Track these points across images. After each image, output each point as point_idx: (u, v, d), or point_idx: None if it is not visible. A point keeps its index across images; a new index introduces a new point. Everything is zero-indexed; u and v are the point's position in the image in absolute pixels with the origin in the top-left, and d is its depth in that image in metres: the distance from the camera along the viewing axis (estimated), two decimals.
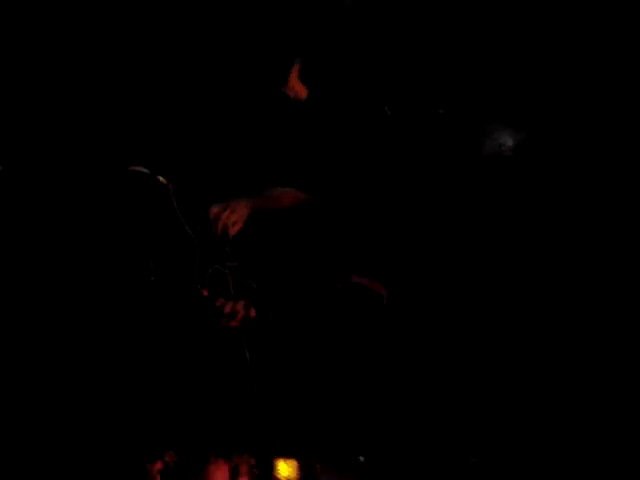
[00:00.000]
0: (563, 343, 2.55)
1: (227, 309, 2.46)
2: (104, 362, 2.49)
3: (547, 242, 2.54)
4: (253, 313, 2.51)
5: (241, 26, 2.80)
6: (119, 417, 2.45)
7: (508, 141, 2.52)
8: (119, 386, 2.47)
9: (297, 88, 2.59)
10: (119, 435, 2.43)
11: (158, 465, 2.41)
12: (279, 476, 2.50)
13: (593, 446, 2.45)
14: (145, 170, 2.46)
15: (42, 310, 2.54)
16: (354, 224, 2.53)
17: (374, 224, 2.51)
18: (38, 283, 2.58)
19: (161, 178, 2.47)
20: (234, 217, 2.42)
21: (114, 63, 2.80)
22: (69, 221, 2.57)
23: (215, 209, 2.45)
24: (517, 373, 2.56)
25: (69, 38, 2.78)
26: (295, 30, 2.64)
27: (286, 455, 2.52)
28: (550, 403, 2.52)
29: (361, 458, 2.55)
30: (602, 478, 2.40)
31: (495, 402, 2.54)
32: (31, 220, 2.63)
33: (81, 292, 2.53)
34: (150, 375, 2.49)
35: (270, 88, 2.64)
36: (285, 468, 2.51)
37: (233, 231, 2.42)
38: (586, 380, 2.53)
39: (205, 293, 2.45)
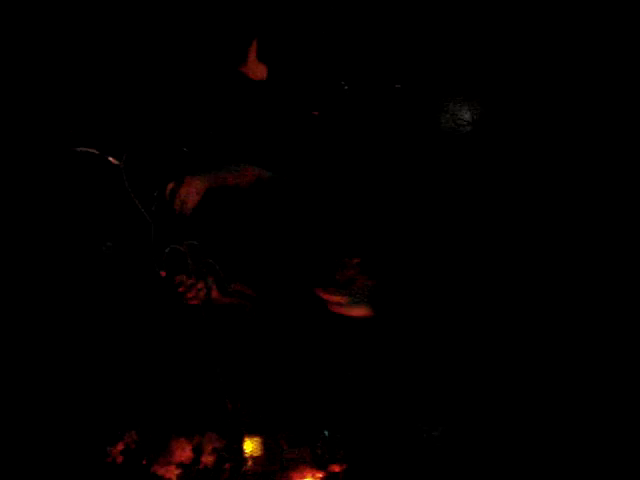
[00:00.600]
0: (557, 339, 2.52)
1: (186, 287, 2.45)
2: (64, 342, 2.49)
3: (510, 223, 2.50)
4: (215, 294, 2.50)
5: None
6: (79, 398, 2.47)
7: (466, 115, 2.48)
8: (79, 366, 2.49)
9: (256, 68, 2.55)
10: (79, 416, 2.45)
11: (119, 446, 2.44)
12: (243, 453, 2.52)
13: (592, 446, 2.43)
14: (95, 151, 2.43)
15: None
16: (314, 202, 2.51)
17: (334, 202, 2.49)
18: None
19: (112, 159, 2.44)
20: (191, 191, 2.40)
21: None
22: (22, 205, 2.55)
23: (171, 184, 2.44)
24: (512, 372, 2.54)
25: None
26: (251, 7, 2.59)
27: (250, 432, 2.54)
28: (548, 403, 2.50)
29: (325, 432, 2.57)
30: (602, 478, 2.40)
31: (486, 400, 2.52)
32: None
33: (39, 277, 2.53)
34: (111, 354, 2.50)
35: (229, 66, 2.60)
36: (249, 445, 2.54)
37: (190, 205, 2.41)
38: (585, 380, 2.51)
39: (163, 274, 2.45)
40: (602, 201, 2.38)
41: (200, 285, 2.47)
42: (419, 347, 2.39)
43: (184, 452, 2.46)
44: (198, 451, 2.48)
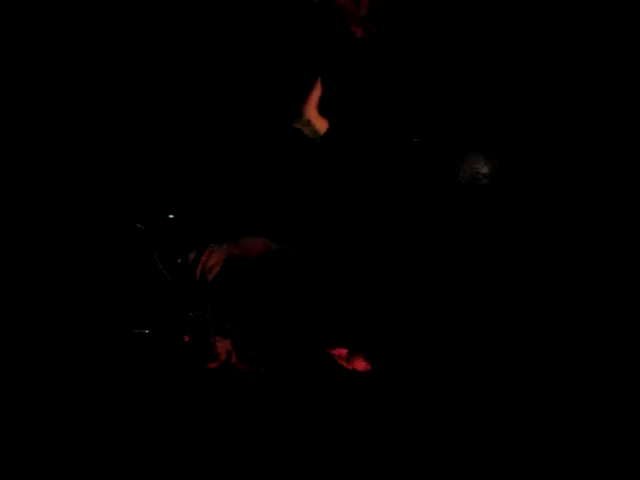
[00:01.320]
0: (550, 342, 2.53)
1: (207, 352, 2.49)
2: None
3: (528, 267, 2.54)
4: (234, 358, 2.54)
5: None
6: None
7: (483, 168, 2.52)
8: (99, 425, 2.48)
9: (316, 121, 2.56)
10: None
11: None
12: None
13: (592, 447, 2.43)
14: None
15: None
16: (325, 276, 2.56)
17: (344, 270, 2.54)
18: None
19: (139, 225, 2.52)
20: (212, 261, 2.48)
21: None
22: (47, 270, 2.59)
23: (193, 254, 2.51)
24: (510, 373, 2.55)
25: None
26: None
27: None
28: (547, 404, 2.50)
29: None
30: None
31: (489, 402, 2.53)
32: None
33: (65, 345, 2.54)
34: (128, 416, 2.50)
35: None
36: None
37: (213, 275, 2.47)
38: (585, 380, 2.52)
39: (186, 339, 2.49)
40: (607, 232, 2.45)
41: (221, 348, 2.50)
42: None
43: None
44: None
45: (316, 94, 2.52)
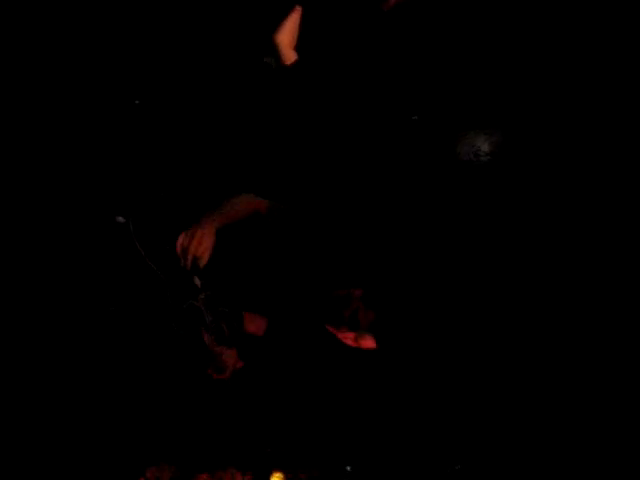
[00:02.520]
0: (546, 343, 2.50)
1: (215, 364, 2.44)
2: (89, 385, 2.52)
3: (526, 248, 2.49)
4: (240, 364, 2.50)
5: None
6: (101, 434, 2.49)
7: (484, 146, 2.48)
8: (103, 404, 2.51)
9: (284, 50, 2.43)
10: (101, 452, 2.47)
11: None
12: None
13: (592, 448, 2.42)
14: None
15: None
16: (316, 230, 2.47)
17: (346, 230, 2.46)
18: None
19: (120, 218, 2.41)
20: (202, 247, 2.34)
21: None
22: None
23: (180, 242, 2.37)
24: (509, 375, 2.53)
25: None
26: None
27: (274, 468, 2.54)
28: (546, 405, 2.49)
29: (348, 468, 2.56)
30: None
31: (487, 407, 2.51)
32: None
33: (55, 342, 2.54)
34: (135, 390, 2.52)
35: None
36: None
37: (205, 261, 2.35)
38: (584, 380, 2.49)
39: (206, 339, 2.42)
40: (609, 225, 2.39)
41: (228, 359, 2.44)
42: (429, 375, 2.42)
43: None
44: None
45: (292, 23, 2.44)
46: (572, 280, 2.49)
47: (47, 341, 2.54)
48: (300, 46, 2.51)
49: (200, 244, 2.34)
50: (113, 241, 2.46)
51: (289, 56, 2.47)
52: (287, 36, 2.49)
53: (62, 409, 2.49)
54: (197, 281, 2.37)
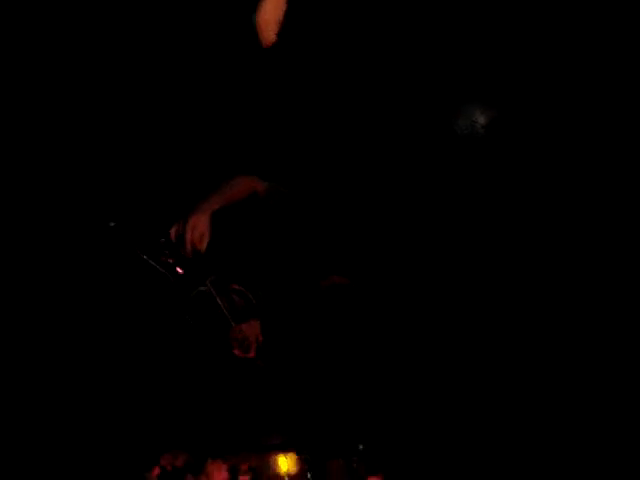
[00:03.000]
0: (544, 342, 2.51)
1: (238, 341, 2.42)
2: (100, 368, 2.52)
3: (523, 224, 2.49)
4: (261, 338, 2.46)
5: None
6: (115, 422, 2.49)
7: (480, 119, 2.48)
8: (116, 391, 2.51)
9: (264, 27, 2.36)
10: (115, 441, 2.48)
11: (155, 471, 2.46)
12: (279, 471, 2.53)
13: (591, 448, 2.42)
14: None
15: None
16: (318, 213, 2.46)
17: (342, 210, 2.45)
18: None
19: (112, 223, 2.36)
20: (197, 233, 2.31)
21: None
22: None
23: (174, 228, 2.34)
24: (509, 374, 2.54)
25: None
26: None
27: (285, 449, 2.56)
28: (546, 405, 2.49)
29: (360, 446, 2.57)
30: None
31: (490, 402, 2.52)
32: None
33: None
34: (147, 379, 2.52)
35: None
36: (285, 462, 2.55)
37: (204, 246, 2.31)
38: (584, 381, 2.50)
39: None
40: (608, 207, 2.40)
41: (250, 333, 2.42)
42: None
43: (221, 473, 2.48)
44: (234, 471, 2.50)
45: (275, 3, 2.37)
46: (569, 268, 2.50)
47: (59, 334, 2.55)
48: (284, 30, 2.48)
49: (195, 229, 2.31)
50: (113, 242, 2.43)
51: (268, 37, 2.41)
52: (268, 16, 2.43)
53: (79, 399, 2.50)
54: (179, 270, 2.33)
